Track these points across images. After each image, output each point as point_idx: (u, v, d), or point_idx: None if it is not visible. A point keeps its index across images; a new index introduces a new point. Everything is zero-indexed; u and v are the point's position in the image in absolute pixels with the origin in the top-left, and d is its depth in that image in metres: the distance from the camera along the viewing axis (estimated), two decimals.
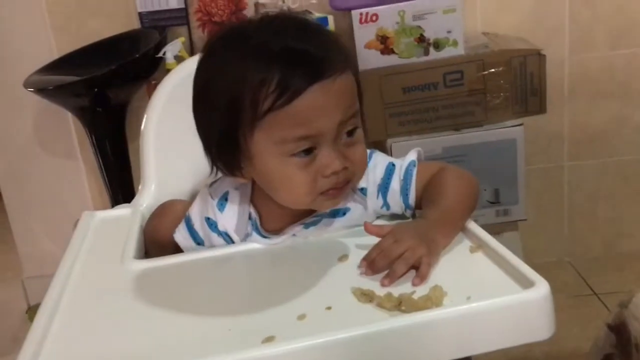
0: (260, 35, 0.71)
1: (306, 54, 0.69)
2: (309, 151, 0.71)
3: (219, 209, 0.82)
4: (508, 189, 1.68)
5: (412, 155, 0.83)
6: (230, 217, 0.82)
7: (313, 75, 0.68)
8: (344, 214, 0.81)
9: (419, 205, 0.81)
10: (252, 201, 0.81)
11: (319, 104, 0.69)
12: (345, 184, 0.74)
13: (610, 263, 1.96)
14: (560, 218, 1.99)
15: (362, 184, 0.81)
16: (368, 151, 0.82)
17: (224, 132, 0.72)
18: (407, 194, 0.80)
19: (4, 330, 1.98)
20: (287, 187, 0.73)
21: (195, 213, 0.85)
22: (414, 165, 0.81)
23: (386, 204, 0.81)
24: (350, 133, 0.73)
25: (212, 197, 0.83)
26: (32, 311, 2.02)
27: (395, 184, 0.80)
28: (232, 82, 0.70)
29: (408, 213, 0.81)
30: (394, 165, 0.82)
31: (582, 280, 1.89)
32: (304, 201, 0.74)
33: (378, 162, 0.82)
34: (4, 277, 2.24)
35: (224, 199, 0.82)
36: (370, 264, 0.68)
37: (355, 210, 0.82)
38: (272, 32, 0.71)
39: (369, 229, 0.73)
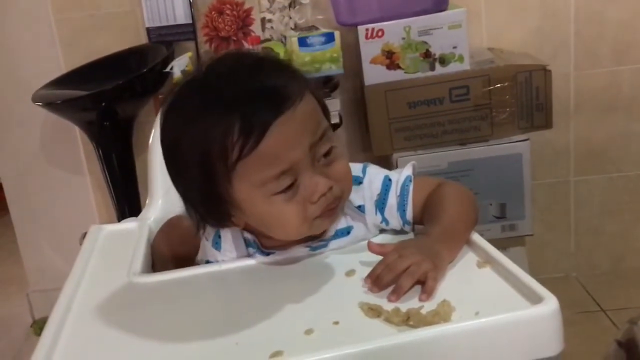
0: (215, 84, 0.71)
1: (261, 91, 0.69)
2: (291, 184, 0.70)
3: (216, 248, 0.82)
4: (514, 204, 1.67)
5: (407, 170, 0.83)
6: (229, 251, 0.82)
7: (273, 112, 0.68)
8: (348, 232, 0.81)
9: (417, 220, 0.81)
10: (245, 227, 0.80)
11: (285, 136, 0.68)
12: (337, 202, 0.74)
13: (618, 278, 1.95)
14: (567, 233, 1.98)
15: (359, 201, 0.81)
16: (361, 165, 0.83)
17: (204, 189, 0.72)
18: (404, 210, 0.80)
19: (9, 343, 1.98)
20: (281, 224, 0.73)
21: (199, 260, 0.86)
22: (410, 181, 0.81)
23: (385, 220, 0.82)
24: (326, 153, 0.72)
25: (207, 240, 0.83)
26: (36, 325, 2.02)
27: (393, 200, 0.81)
28: (197, 138, 0.69)
29: (407, 228, 0.82)
30: (390, 180, 0.82)
31: (589, 296, 1.87)
32: (301, 231, 0.74)
33: (373, 177, 0.82)
34: (9, 291, 2.25)
35: (217, 236, 0.82)
36: (376, 280, 0.68)
37: (358, 228, 0.82)
38: (225, 78, 0.71)
39: (372, 248, 0.73)
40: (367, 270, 0.72)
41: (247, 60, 0.74)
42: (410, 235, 0.81)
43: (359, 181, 0.81)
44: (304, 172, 0.70)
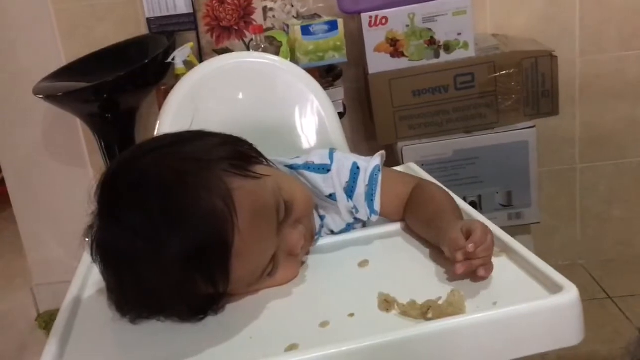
0: (143, 245, 0.61)
1: (195, 236, 0.60)
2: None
3: None
4: (521, 191, 1.66)
5: (376, 160, 0.82)
6: None
7: (223, 248, 0.61)
8: (323, 220, 0.83)
9: (392, 214, 0.81)
10: None
11: (251, 255, 0.64)
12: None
13: (624, 265, 1.94)
14: (573, 220, 1.97)
15: (329, 190, 0.80)
16: (327, 152, 0.82)
17: (186, 316, 0.65)
18: (372, 199, 0.80)
19: (13, 337, 1.98)
20: (279, 284, 0.70)
21: None
22: (379, 170, 0.81)
23: (355, 207, 0.81)
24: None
25: None
26: (41, 318, 2.01)
27: (361, 188, 0.80)
28: (163, 298, 0.63)
29: (373, 218, 0.81)
30: (358, 168, 0.81)
31: (595, 283, 1.87)
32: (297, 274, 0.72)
33: (341, 164, 0.81)
34: (14, 285, 2.24)
35: None
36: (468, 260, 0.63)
37: (330, 217, 0.83)
38: (147, 237, 0.61)
39: (460, 270, 0.63)
40: (380, 260, 0.72)
41: (159, 199, 0.62)
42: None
43: (327, 169, 0.81)
44: (280, 243, 0.68)
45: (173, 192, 0.62)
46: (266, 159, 0.74)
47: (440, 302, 0.59)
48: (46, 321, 1.93)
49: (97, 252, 0.65)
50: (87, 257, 0.81)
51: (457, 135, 1.64)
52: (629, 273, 1.89)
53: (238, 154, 0.69)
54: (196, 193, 0.61)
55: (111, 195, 0.65)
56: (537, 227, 1.73)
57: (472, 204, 1.66)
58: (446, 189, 0.83)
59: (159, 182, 0.63)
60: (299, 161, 0.82)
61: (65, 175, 1.95)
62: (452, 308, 0.59)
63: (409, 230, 0.79)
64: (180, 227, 0.60)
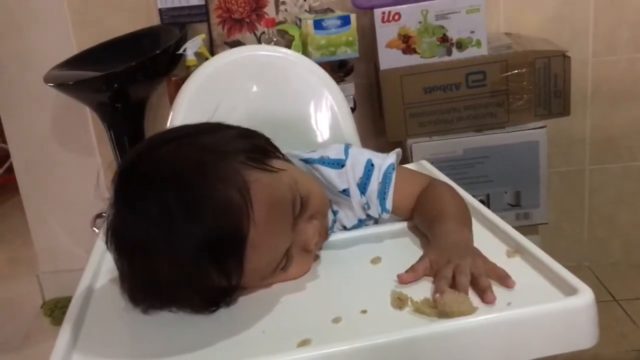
0: (161, 229, 0.61)
1: (213, 223, 0.60)
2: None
3: None
4: (529, 192, 1.66)
5: (391, 158, 0.82)
6: None
7: (237, 241, 0.61)
8: (335, 215, 0.82)
9: (405, 213, 0.81)
10: None
11: (265, 247, 0.63)
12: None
13: (631, 268, 1.93)
14: (580, 222, 1.96)
15: (343, 185, 0.80)
16: (342, 147, 0.82)
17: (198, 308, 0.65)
18: (384, 197, 0.80)
19: (18, 324, 1.98)
20: (291, 278, 0.70)
21: None
22: (393, 169, 0.81)
23: (367, 203, 0.81)
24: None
25: None
26: (47, 306, 2.02)
27: (374, 185, 0.80)
28: (185, 298, 0.63)
29: (384, 216, 0.81)
30: (372, 165, 0.81)
31: (601, 285, 1.86)
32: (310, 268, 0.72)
33: (356, 159, 0.81)
34: (20, 272, 2.25)
35: None
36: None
37: (343, 212, 0.83)
38: (166, 225, 0.60)
39: (404, 279, 0.65)
40: (392, 257, 0.72)
41: (176, 190, 0.61)
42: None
43: (341, 164, 0.81)
44: (294, 238, 0.68)
45: (190, 182, 0.62)
46: (282, 154, 0.74)
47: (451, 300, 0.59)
48: (51, 309, 1.94)
49: (111, 240, 0.65)
50: (99, 245, 0.81)
51: (467, 134, 1.64)
52: (635, 276, 1.89)
53: (255, 147, 0.68)
54: (213, 184, 0.61)
55: (128, 184, 0.65)
56: (544, 227, 1.72)
57: (481, 203, 1.66)
58: (460, 190, 0.82)
59: (176, 172, 0.63)
60: (315, 155, 0.82)
61: (74, 164, 1.96)
62: (464, 305, 0.58)
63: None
64: (196, 217, 0.60)
